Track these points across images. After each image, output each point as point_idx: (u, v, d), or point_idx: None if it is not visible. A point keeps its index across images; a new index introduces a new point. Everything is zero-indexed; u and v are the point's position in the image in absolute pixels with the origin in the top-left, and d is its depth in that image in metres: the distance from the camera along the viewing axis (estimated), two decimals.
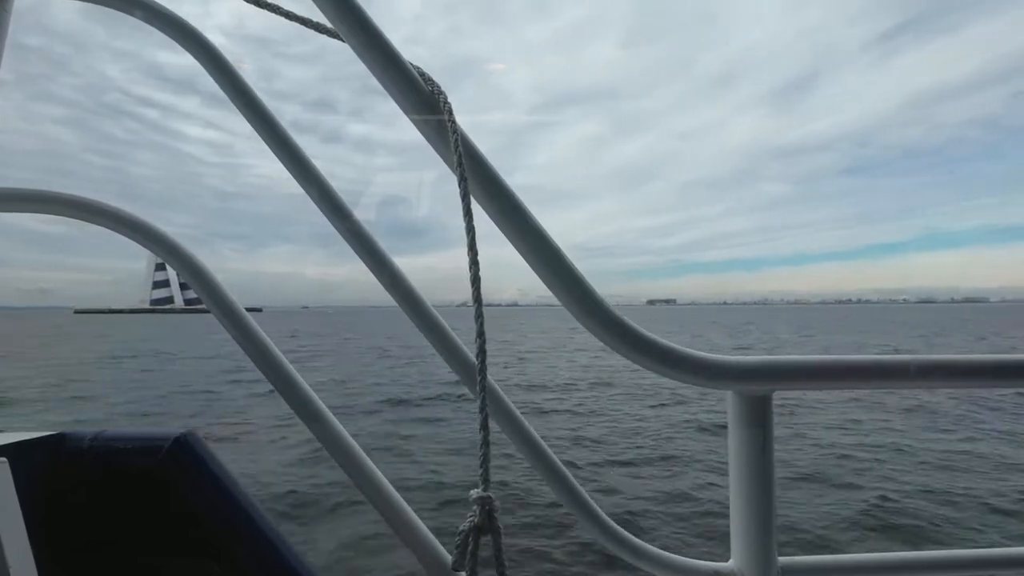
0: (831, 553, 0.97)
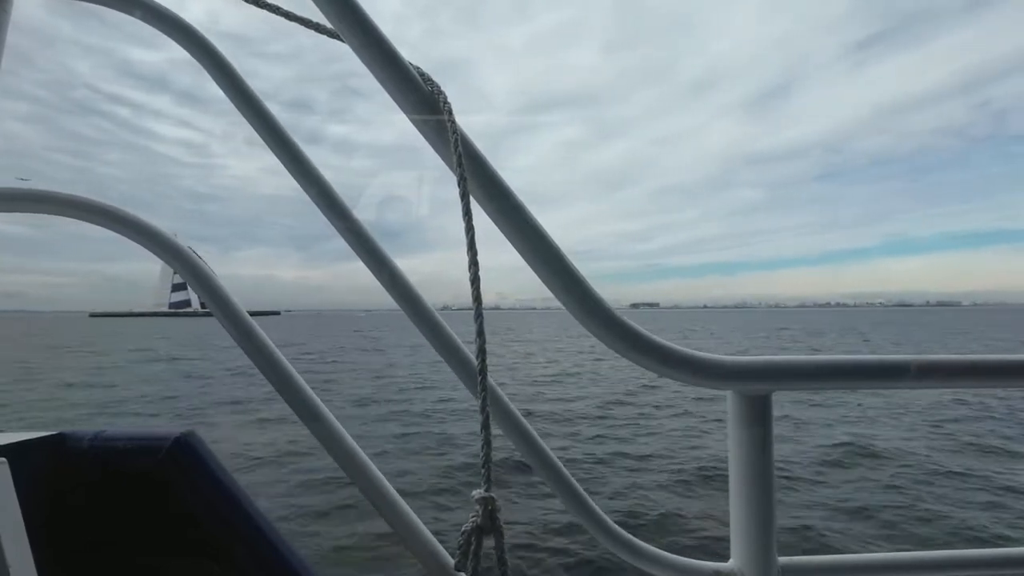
0: (831, 553, 0.97)
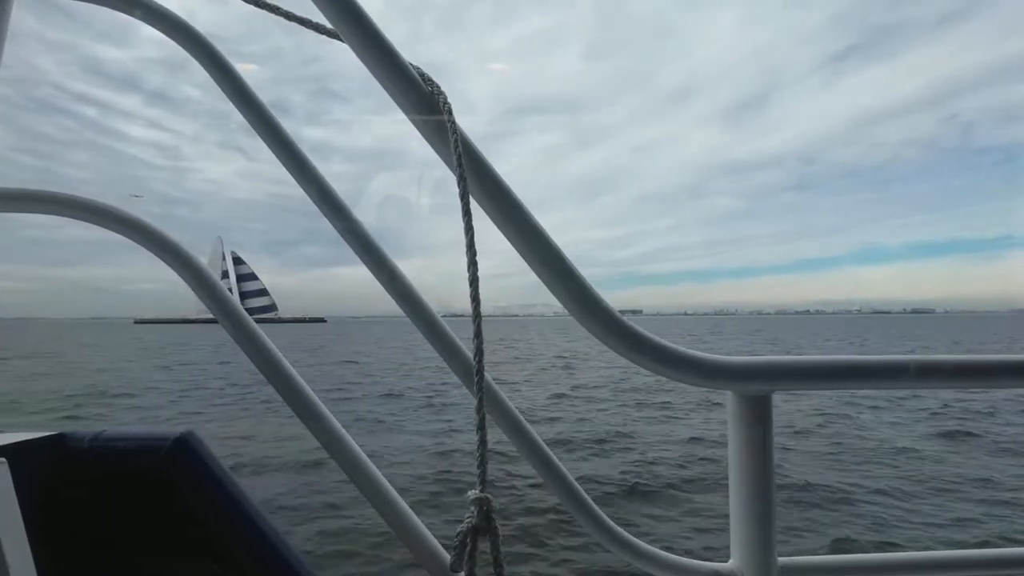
0: (831, 553, 0.98)
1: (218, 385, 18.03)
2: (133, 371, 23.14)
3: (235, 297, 0.93)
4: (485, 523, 0.66)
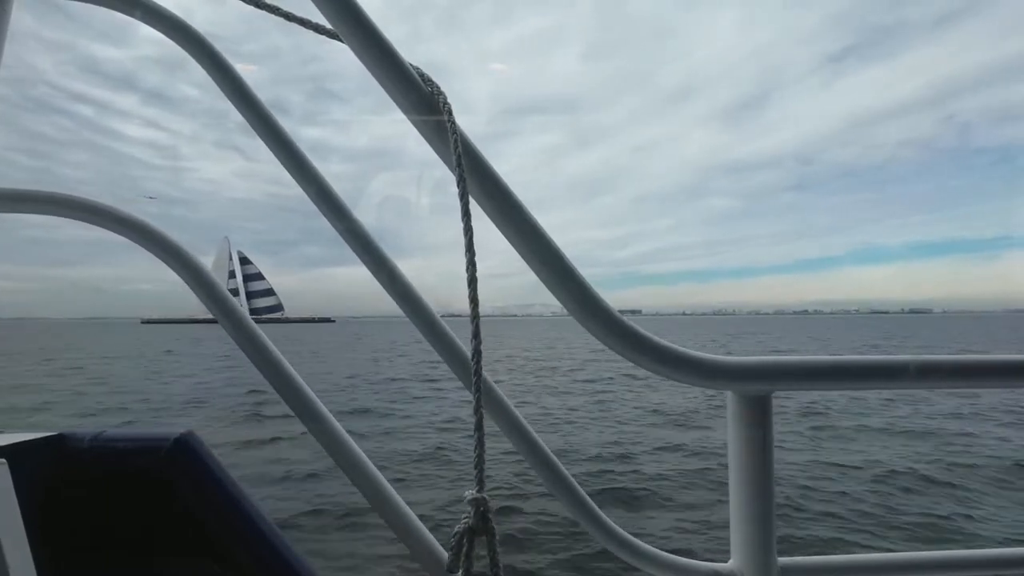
0: (831, 553, 0.98)
1: (343, 383, 17.31)
2: (229, 372, 21.59)
3: (235, 297, 0.93)
4: (482, 524, 0.67)
